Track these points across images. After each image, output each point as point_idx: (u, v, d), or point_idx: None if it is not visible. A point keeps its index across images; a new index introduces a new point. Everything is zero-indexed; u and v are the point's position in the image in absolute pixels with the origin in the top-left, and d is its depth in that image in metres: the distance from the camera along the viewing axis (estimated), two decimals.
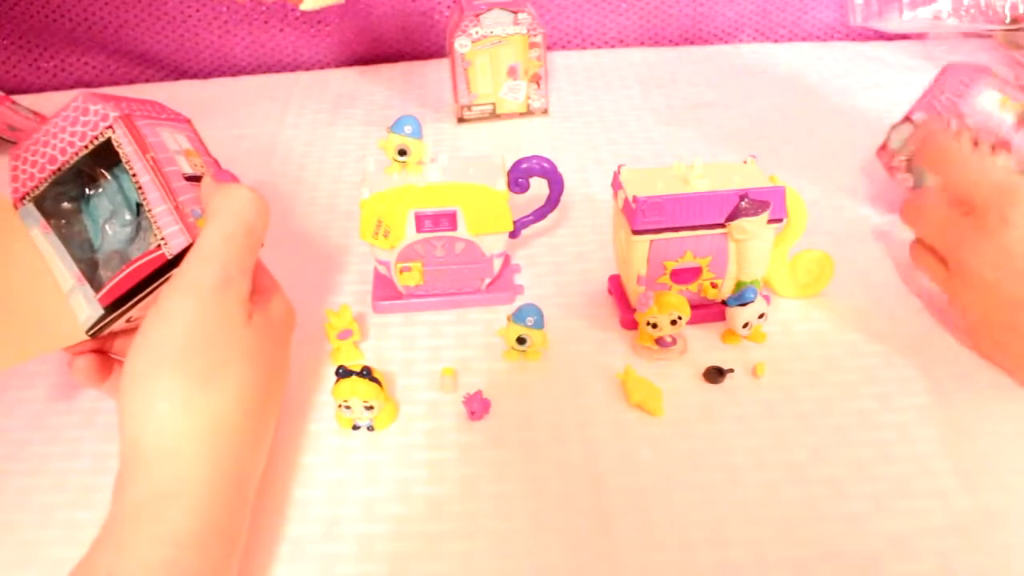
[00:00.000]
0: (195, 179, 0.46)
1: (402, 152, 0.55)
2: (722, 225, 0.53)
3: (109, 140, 0.44)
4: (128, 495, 0.38)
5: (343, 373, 0.48)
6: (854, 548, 0.42)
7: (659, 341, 0.53)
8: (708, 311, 0.56)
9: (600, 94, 0.87)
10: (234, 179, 0.47)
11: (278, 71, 0.95)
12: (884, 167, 0.66)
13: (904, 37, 0.94)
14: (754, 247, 0.54)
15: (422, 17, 0.93)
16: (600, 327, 0.57)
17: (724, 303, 0.54)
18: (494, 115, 0.82)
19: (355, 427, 0.50)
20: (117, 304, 0.45)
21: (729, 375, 0.52)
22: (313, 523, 0.45)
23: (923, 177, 0.64)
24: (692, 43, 0.97)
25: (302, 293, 0.54)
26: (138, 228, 0.48)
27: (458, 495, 0.46)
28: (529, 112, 0.83)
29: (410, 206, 0.54)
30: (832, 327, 0.56)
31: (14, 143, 0.62)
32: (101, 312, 0.45)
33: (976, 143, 0.52)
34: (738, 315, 0.53)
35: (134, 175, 0.44)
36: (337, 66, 0.95)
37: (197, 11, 0.91)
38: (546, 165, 0.58)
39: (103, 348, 0.48)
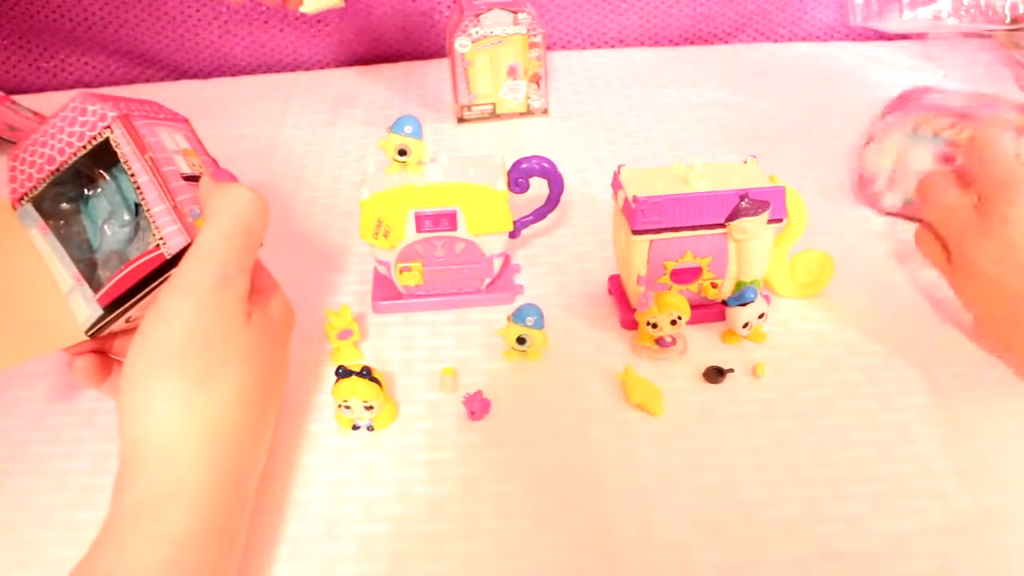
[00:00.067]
0: (193, 179, 0.46)
1: (402, 152, 0.55)
2: (722, 225, 0.53)
3: (107, 140, 0.44)
4: (128, 495, 0.38)
5: (343, 373, 0.48)
6: (854, 548, 0.42)
7: (659, 341, 0.53)
8: (708, 311, 0.56)
9: (600, 94, 0.87)
10: (233, 179, 0.47)
11: (278, 71, 0.95)
12: (867, 202, 0.65)
13: (904, 37, 0.94)
14: (754, 247, 0.54)
15: (422, 17, 0.93)
16: (600, 327, 0.57)
17: (724, 303, 0.54)
18: (494, 115, 0.82)
19: (355, 427, 0.50)
20: (116, 304, 0.45)
21: (729, 375, 0.52)
22: (313, 523, 0.45)
23: (911, 189, 0.64)
24: (692, 43, 0.97)
25: (302, 293, 0.54)
26: (137, 228, 0.47)
27: (458, 495, 0.46)
28: (529, 112, 0.83)
29: (410, 206, 0.54)
30: (832, 327, 0.56)
31: (14, 143, 0.62)
32: (100, 312, 0.45)
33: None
34: (738, 315, 0.53)
35: (132, 175, 0.44)
36: (337, 66, 0.96)
37: (197, 11, 0.91)
38: (546, 165, 0.58)
39: (103, 348, 0.48)
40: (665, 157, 0.76)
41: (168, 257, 0.44)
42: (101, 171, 0.47)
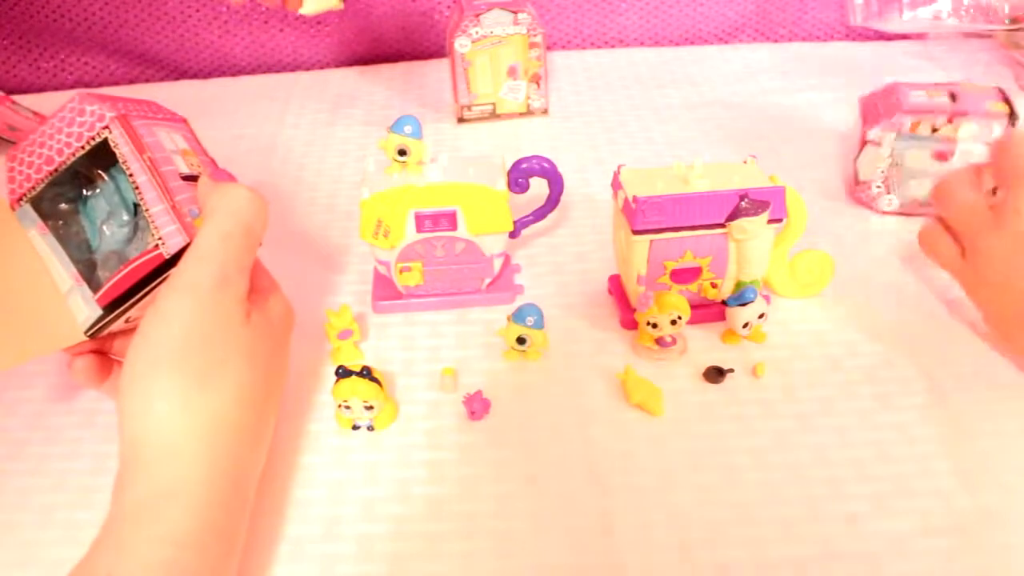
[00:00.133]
0: (192, 179, 0.46)
1: (402, 152, 0.55)
2: (722, 225, 0.53)
3: (106, 140, 0.44)
4: (127, 495, 0.38)
5: (343, 373, 0.48)
6: (854, 548, 0.42)
7: (659, 341, 0.53)
8: (708, 311, 0.56)
9: (600, 94, 0.87)
10: (231, 178, 0.47)
11: (278, 71, 0.95)
12: (863, 203, 0.66)
13: (904, 37, 0.94)
14: (754, 247, 0.54)
15: (422, 17, 0.93)
16: (600, 327, 0.57)
17: (724, 303, 0.54)
18: (494, 115, 0.82)
19: (355, 427, 0.50)
20: (115, 304, 0.45)
21: (729, 375, 0.52)
22: (313, 523, 0.45)
23: (908, 190, 0.64)
24: (692, 43, 0.97)
25: (302, 293, 0.54)
26: (136, 228, 0.47)
27: (458, 495, 0.46)
28: (529, 112, 0.83)
29: (410, 206, 0.54)
30: (832, 327, 0.56)
31: (14, 143, 0.62)
32: (100, 312, 0.45)
33: None
34: (738, 315, 0.53)
35: (131, 175, 0.44)
36: (337, 66, 0.95)
37: (197, 11, 0.91)
38: (546, 165, 0.58)
39: (102, 349, 0.48)
40: (665, 157, 0.76)
41: (167, 257, 0.44)
42: (100, 171, 0.47)
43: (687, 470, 0.47)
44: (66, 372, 0.48)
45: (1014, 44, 0.88)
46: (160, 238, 0.44)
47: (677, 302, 0.52)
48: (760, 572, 0.42)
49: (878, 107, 0.64)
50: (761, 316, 0.53)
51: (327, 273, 0.63)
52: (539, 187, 0.59)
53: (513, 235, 0.59)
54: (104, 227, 0.47)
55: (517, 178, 0.57)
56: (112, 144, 0.44)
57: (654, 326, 0.52)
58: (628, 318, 0.56)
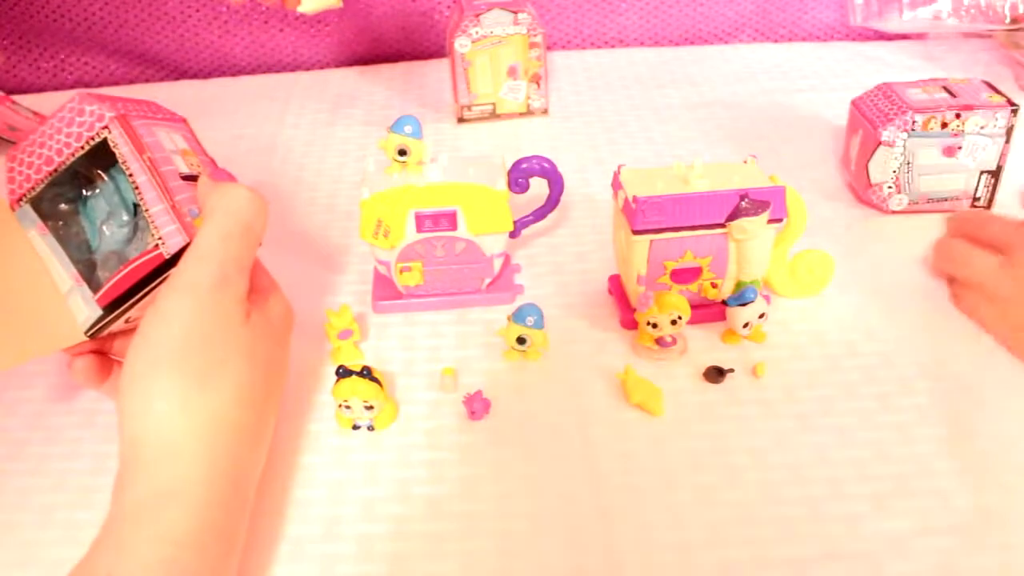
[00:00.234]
0: (192, 178, 0.46)
1: (402, 152, 0.55)
2: (722, 225, 0.53)
3: (105, 141, 0.44)
4: (127, 495, 0.38)
5: (343, 373, 0.48)
6: (854, 548, 0.42)
7: (659, 341, 0.53)
8: (708, 311, 0.56)
9: (600, 94, 0.87)
10: (231, 178, 0.47)
11: (278, 71, 0.95)
12: (875, 205, 0.66)
13: (904, 37, 0.94)
14: (754, 247, 0.54)
15: (422, 17, 0.93)
16: (600, 327, 0.57)
17: (724, 303, 0.54)
18: (494, 115, 0.82)
19: (355, 427, 0.50)
20: (115, 304, 0.45)
21: (729, 375, 0.52)
22: (313, 523, 0.45)
23: (919, 187, 0.64)
24: (692, 43, 0.97)
25: (302, 293, 0.54)
26: (135, 228, 0.47)
27: (458, 495, 0.46)
28: (529, 112, 0.83)
29: (410, 206, 0.54)
30: (832, 327, 0.56)
31: (14, 143, 0.62)
32: (100, 313, 0.45)
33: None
34: (738, 315, 0.53)
35: (131, 175, 0.44)
36: (337, 66, 0.95)
37: (197, 11, 0.91)
38: (546, 165, 0.58)
39: (102, 349, 0.48)
40: (665, 157, 0.76)
41: (167, 257, 0.44)
42: (99, 172, 0.47)
43: (687, 470, 0.47)
44: (66, 372, 0.48)
45: (1014, 44, 0.88)
46: (160, 238, 0.44)
47: (677, 302, 0.52)
48: (760, 572, 0.42)
49: (880, 108, 0.64)
50: (761, 316, 0.53)
51: (327, 273, 0.63)
52: (539, 187, 0.59)
53: (513, 235, 0.59)
54: (104, 227, 0.47)
55: (517, 178, 0.57)
56: (112, 144, 0.44)
57: (654, 326, 0.52)
58: (628, 318, 0.56)
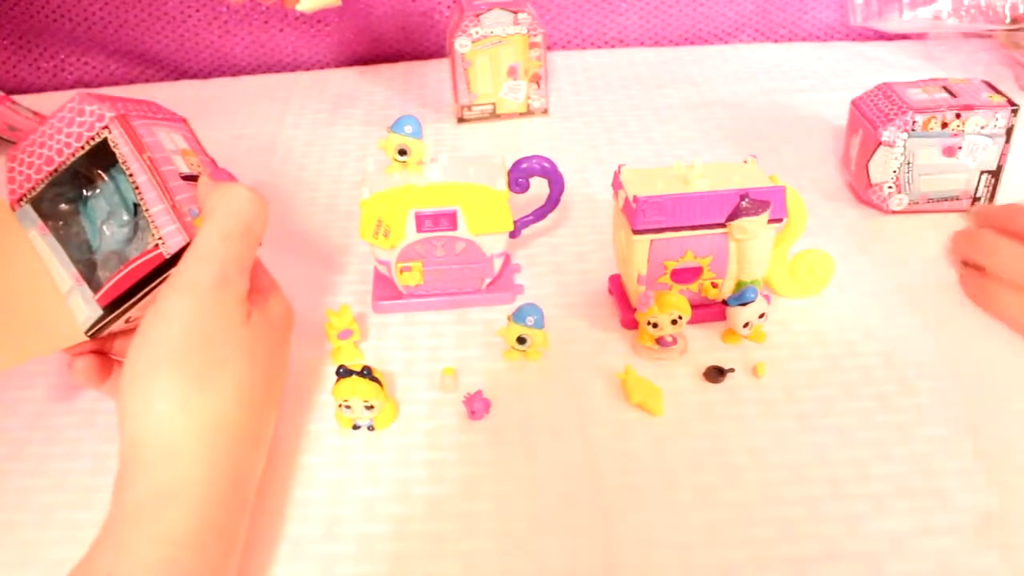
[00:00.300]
0: (192, 178, 0.46)
1: (402, 152, 0.55)
2: (722, 225, 0.53)
3: (105, 140, 0.44)
4: (127, 495, 0.38)
5: (343, 373, 0.48)
6: (854, 548, 0.42)
7: (659, 341, 0.53)
8: (708, 311, 0.56)
9: (600, 94, 0.87)
10: (231, 178, 0.47)
11: (278, 71, 0.95)
12: (875, 205, 0.66)
13: (904, 37, 0.94)
14: (754, 247, 0.54)
15: (422, 17, 0.93)
16: (600, 327, 0.57)
17: (724, 303, 0.54)
18: (494, 115, 0.82)
19: (355, 427, 0.50)
20: (116, 304, 0.45)
21: (729, 375, 0.52)
22: (313, 523, 0.45)
23: (919, 187, 0.64)
24: (692, 43, 0.97)
25: (302, 293, 0.54)
26: (136, 228, 0.47)
27: (458, 495, 0.46)
28: (529, 112, 0.83)
29: (410, 206, 0.54)
30: (832, 327, 0.56)
31: (14, 143, 0.62)
32: (100, 312, 0.45)
33: None
34: (738, 315, 0.53)
35: (131, 175, 0.44)
36: (337, 66, 0.95)
37: (197, 11, 0.91)
38: (546, 165, 0.58)
39: (103, 349, 0.48)
40: (665, 157, 0.76)
41: (167, 257, 0.44)
42: (99, 172, 0.47)
43: (687, 470, 0.47)
44: (66, 372, 0.48)
45: (1014, 44, 0.88)
46: (160, 238, 0.44)
47: (677, 302, 0.52)
48: (760, 572, 0.42)
49: (881, 108, 0.64)
50: (761, 316, 0.53)
51: (327, 273, 0.63)
52: (539, 187, 0.59)
53: (513, 235, 0.59)
54: (104, 227, 0.47)
55: (517, 178, 0.57)
56: (112, 144, 0.44)
57: (654, 326, 0.52)
58: (628, 318, 0.56)
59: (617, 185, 0.54)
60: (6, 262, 0.46)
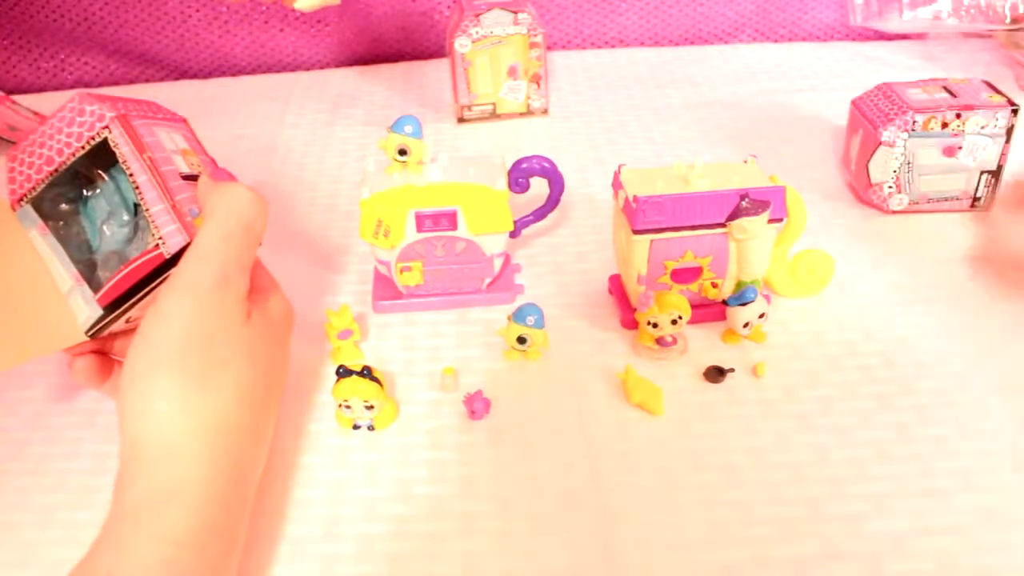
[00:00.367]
0: (192, 178, 0.46)
1: (402, 152, 0.55)
2: (723, 225, 0.53)
3: (106, 140, 0.44)
4: (128, 495, 0.38)
5: (343, 373, 0.48)
6: (854, 548, 0.42)
7: (659, 341, 0.53)
8: (708, 311, 0.56)
9: (600, 94, 0.87)
10: (231, 178, 0.47)
11: (278, 71, 0.95)
12: (875, 205, 0.66)
13: (904, 37, 0.94)
14: (754, 247, 0.54)
15: (422, 17, 0.93)
16: (600, 327, 0.57)
17: (724, 303, 0.54)
18: (494, 115, 0.82)
19: (355, 427, 0.50)
20: (116, 304, 0.45)
21: (729, 375, 0.52)
22: (313, 523, 0.45)
23: (919, 187, 0.64)
24: (692, 43, 0.97)
25: (302, 293, 0.54)
26: (136, 228, 0.47)
27: (458, 495, 0.46)
28: (529, 112, 0.83)
29: (410, 206, 0.54)
30: (832, 327, 0.56)
31: (14, 143, 0.62)
32: (100, 312, 0.45)
33: None
34: (738, 315, 0.53)
35: (131, 175, 0.44)
36: (337, 66, 0.95)
37: (197, 11, 0.91)
38: (546, 165, 0.58)
39: (103, 349, 0.48)
40: (665, 157, 0.76)
41: (167, 257, 0.44)
42: (100, 171, 0.47)
43: (687, 470, 0.47)
44: (66, 372, 0.48)
45: (1014, 44, 0.88)
46: (160, 238, 0.44)
47: (678, 302, 0.52)
48: (760, 572, 0.42)
49: (881, 108, 0.64)
50: (761, 316, 0.53)
51: (327, 273, 0.63)
52: (539, 187, 0.59)
53: (513, 235, 0.59)
54: (104, 227, 0.47)
55: (517, 178, 0.57)
56: (112, 144, 0.44)
57: (654, 326, 0.52)
58: (628, 318, 0.56)
59: (617, 185, 0.54)
60: (6, 262, 0.46)
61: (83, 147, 0.45)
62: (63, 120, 0.45)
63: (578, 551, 0.43)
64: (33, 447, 0.50)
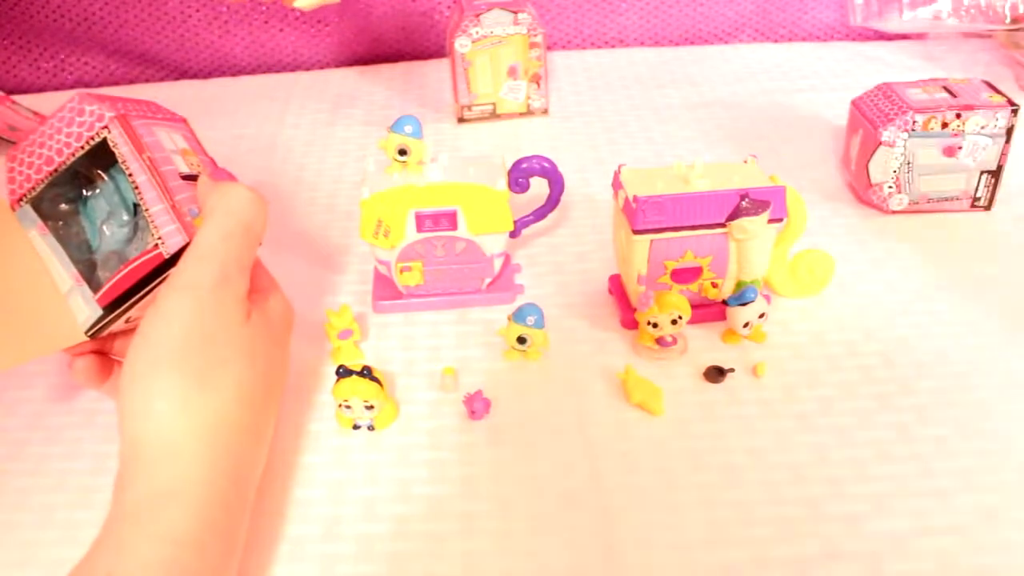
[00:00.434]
0: (192, 178, 0.46)
1: (402, 152, 0.55)
2: (723, 225, 0.53)
3: (105, 140, 0.44)
4: (127, 495, 0.38)
5: (343, 373, 0.48)
6: (854, 548, 0.42)
7: (660, 341, 0.53)
8: (708, 311, 0.56)
9: (600, 94, 0.87)
10: (231, 178, 0.47)
11: (278, 71, 0.95)
12: (875, 205, 0.66)
13: (904, 37, 0.94)
14: (754, 247, 0.54)
15: (422, 17, 0.93)
16: (600, 327, 0.57)
17: (724, 303, 0.54)
18: (494, 115, 0.82)
19: (355, 427, 0.50)
20: (116, 304, 0.45)
21: (729, 375, 0.52)
22: (313, 523, 0.45)
23: (919, 187, 0.64)
24: (692, 43, 0.97)
25: (302, 293, 0.54)
26: (136, 228, 0.47)
27: (458, 495, 0.46)
28: (529, 112, 0.83)
29: (410, 206, 0.54)
30: (832, 327, 0.56)
31: (14, 143, 0.62)
32: (100, 312, 0.45)
33: None
34: (738, 315, 0.53)
35: (130, 175, 0.44)
36: (337, 66, 0.95)
37: (197, 11, 0.91)
38: (546, 165, 0.58)
39: (103, 349, 0.48)
40: (665, 157, 0.76)
41: (167, 256, 0.44)
42: (99, 171, 0.47)
43: (687, 470, 0.47)
44: (66, 372, 0.48)
45: (1014, 44, 0.88)
46: (160, 238, 0.44)
47: (678, 302, 0.52)
48: (760, 572, 0.42)
49: (881, 108, 0.64)
50: (761, 316, 0.53)
51: (327, 273, 0.63)
52: (539, 187, 0.59)
53: (513, 235, 0.59)
54: (104, 227, 0.47)
55: (517, 178, 0.57)
56: (111, 144, 0.44)
57: (654, 326, 0.52)
58: (628, 318, 0.56)
59: (617, 185, 0.54)
60: (6, 262, 0.46)
61: (83, 147, 0.45)
62: (63, 120, 0.45)
63: (578, 551, 0.43)
64: (33, 447, 0.50)
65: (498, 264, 0.58)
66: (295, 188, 0.73)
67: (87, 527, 0.39)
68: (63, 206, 0.48)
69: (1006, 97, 0.62)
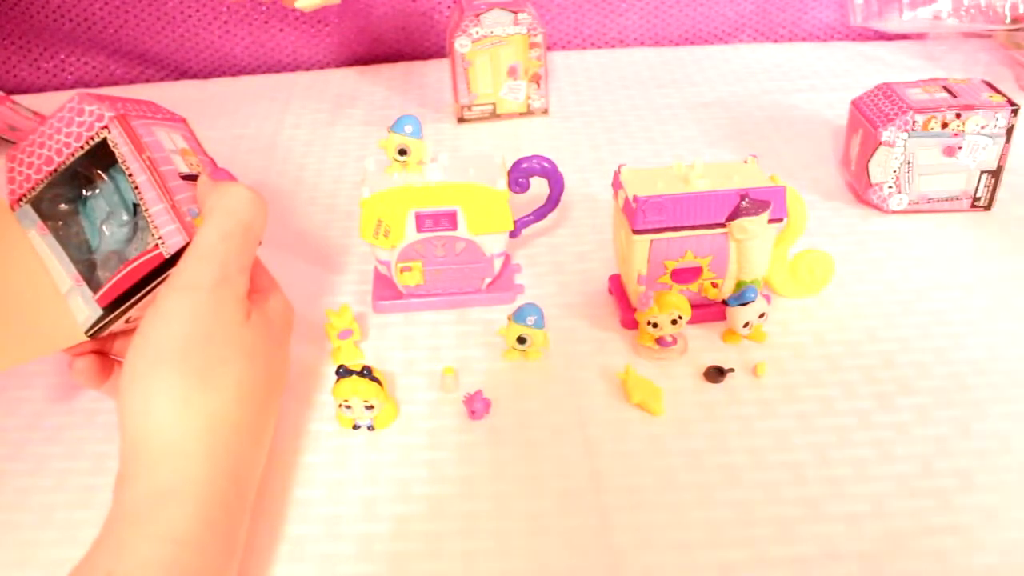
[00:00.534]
0: (192, 178, 0.46)
1: (402, 152, 0.55)
2: (723, 225, 0.53)
3: (105, 140, 0.44)
4: (127, 494, 0.38)
5: (343, 373, 0.48)
6: (854, 548, 0.42)
7: (660, 341, 0.53)
8: (708, 311, 0.56)
9: (600, 94, 0.87)
10: (231, 178, 0.47)
11: (278, 71, 0.95)
12: (875, 205, 0.66)
13: (904, 37, 0.94)
14: (754, 247, 0.54)
15: (422, 17, 0.93)
16: (600, 327, 0.57)
17: (724, 303, 0.54)
18: (494, 115, 0.82)
19: (355, 427, 0.50)
20: (116, 304, 0.45)
21: (729, 375, 0.52)
22: (313, 523, 0.45)
23: (919, 187, 0.64)
24: (692, 43, 0.97)
25: (302, 293, 0.54)
26: (135, 228, 0.47)
27: (458, 495, 0.46)
28: (529, 112, 0.83)
29: (410, 206, 0.54)
30: (832, 327, 0.56)
31: (14, 143, 0.62)
32: (100, 312, 0.45)
33: None
34: (738, 315, 0.53)
35: (130, 175, 0.44)
36: (337, 66, 0.96)
37: (197, 11, 0.91)
38: (546, 165, 0.58)
39: (103, 349, 0.48)
40: (665, 157, 0.76)
41: (167, 256, 0.44)
42: (99, 171, 0.47)
43: (687, 470, 0.47)
44: (66, 372, 0.48)
45: (1014, 44, 0.88)
46: (160, 238, 0.44)
47: (678, 302, 0.52)
48: (760, 572, 0.42)
49: (881, 108, 0.64)
50: (761, 316, 0.53)
51: (327, 273, 0.63)
52: (539, 187, 0.59)
53: (513, 235, 0.59)
54: (104, 227, 0.47)
55: (517, 178, 0.57)
56: (111, 144, 0.44)
57: (655, 326, 0.52)
58: (628, 318, 0.56)
59: (617, 185, 0.54)
60: (6, 262, 0.46)
61: (82, 147, 0.45)
62: (62, 120, 0.45)
63: (578, 551, 0.43)
64: (33, 447, 0.50)
65: (498, 264, 0.58)
66: (295, 188, 0.73)
67: (87, 527, 0.39)
68: (63, 206, 0.48)
69: (1006, 97, 0.62)
